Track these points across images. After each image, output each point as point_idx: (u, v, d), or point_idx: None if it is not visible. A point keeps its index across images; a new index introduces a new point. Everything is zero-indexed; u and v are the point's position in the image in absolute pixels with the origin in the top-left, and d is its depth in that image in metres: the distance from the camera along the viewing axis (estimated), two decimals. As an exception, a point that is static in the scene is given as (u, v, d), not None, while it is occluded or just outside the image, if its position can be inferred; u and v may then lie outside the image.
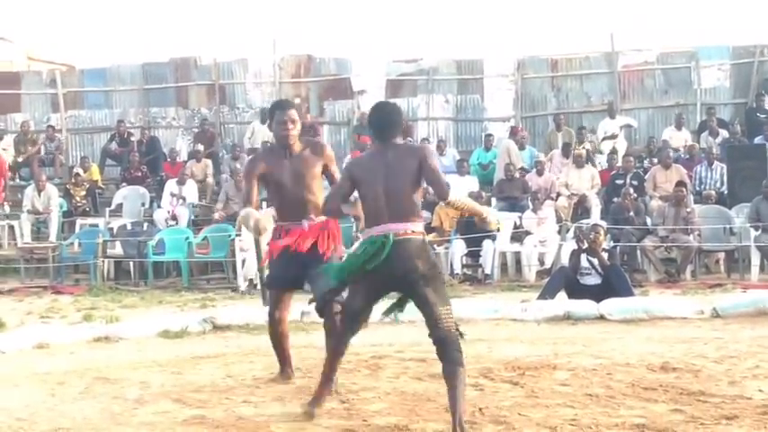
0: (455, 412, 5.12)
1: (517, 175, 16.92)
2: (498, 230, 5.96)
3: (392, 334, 8.45)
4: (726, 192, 16.11)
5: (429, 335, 5.36)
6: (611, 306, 10.17)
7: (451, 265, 14.66)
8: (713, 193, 15.92)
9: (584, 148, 17.84)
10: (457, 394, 5.16)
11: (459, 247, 14.71)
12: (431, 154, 5.64)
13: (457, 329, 5.35)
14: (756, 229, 14.05)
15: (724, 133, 18.11)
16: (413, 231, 5.39)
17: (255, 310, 10.58)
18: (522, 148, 18.30)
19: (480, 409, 5.72)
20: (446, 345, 5.28)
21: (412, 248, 5.35)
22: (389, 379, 6.87)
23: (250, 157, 9.05)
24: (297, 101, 20.91)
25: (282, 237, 6.51)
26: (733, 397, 5.93)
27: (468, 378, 6.48)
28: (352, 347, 8.34)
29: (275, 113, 6.59)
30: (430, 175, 5.42)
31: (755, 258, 13.98)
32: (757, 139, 17.51)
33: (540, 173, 16.96)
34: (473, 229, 14.53)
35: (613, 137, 18.71)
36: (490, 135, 19.22)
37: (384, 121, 5.60)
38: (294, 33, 32.45)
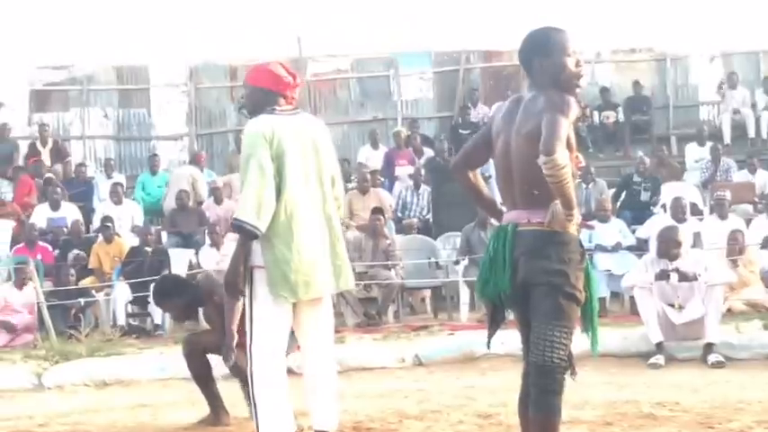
0: None
1: (191, 203, 16.96)
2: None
3: (35, 403, 8.29)
4: (431, 219, 16.63)
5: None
6: (298, 358, 10.31)
7: (114, 315, 14.48)
8: (415, 220, 16.41)
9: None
10: None
11: (122, 293, 14.53)
12: None
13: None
14: (461, 261, 14.46)
15: (429, 152, 18.50)
16: None
17: None
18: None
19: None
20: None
21: None
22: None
23: None
24: None
25: None
26: (430, 458, 6.24)
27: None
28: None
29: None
30: None
31: (464, 295, 14.22)
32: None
33: (218, 201, 17.10)
34: (140, 272, 14.46)
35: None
36: (155, 155, 19.09)
37: None
38: None
